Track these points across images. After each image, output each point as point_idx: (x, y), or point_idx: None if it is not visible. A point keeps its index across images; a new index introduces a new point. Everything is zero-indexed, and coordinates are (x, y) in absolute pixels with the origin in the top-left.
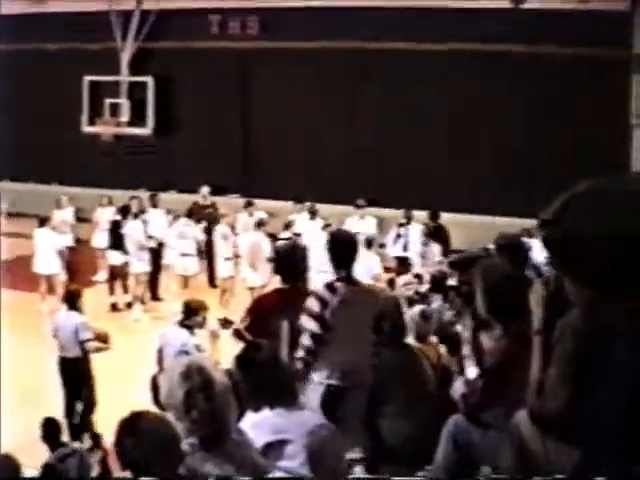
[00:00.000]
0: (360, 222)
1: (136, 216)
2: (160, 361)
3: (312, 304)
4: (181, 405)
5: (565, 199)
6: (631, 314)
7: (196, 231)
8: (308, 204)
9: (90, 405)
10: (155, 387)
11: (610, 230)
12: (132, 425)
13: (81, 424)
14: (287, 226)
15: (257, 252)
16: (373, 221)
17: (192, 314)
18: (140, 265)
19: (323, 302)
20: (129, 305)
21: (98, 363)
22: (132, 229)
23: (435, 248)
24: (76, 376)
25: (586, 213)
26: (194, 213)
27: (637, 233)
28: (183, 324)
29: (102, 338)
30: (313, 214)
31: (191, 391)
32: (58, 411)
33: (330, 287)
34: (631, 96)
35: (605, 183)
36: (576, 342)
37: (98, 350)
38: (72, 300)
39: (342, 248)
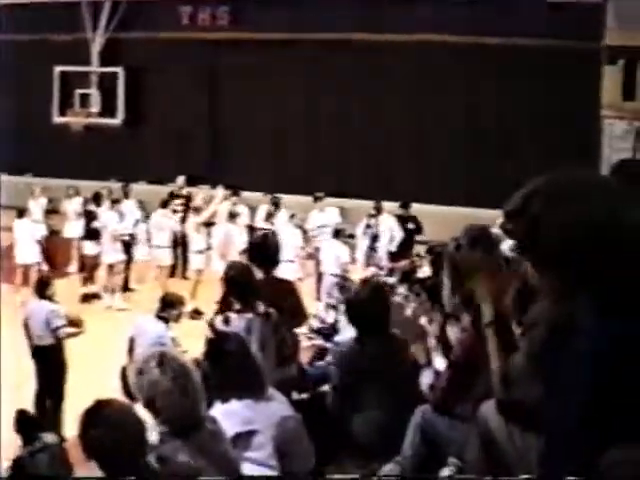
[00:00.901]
0: (321, 214)
1: (111, 206)
2: (131, 350)
3: None
4: (148, 394)
5: (528, 191)
6: (598, 304)
7: (172, 222)
8: (271, 196)
9: (59, 398)
10: (124, 377)
11: (575, 221)
12: (96, 414)
13: (49, 417)
14: (268, 217)
15: (229, 243)
16: (335, 211)
17: (169, 307)
18: (115, 255)
19: None
20: (96, 296)
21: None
22: (107, 220)
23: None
24: (50, 365)
25: (550, 204)
26: (169, 203)
27: (600, 223)
28: (159, 316)
29: (75, 323)
30: (277, 205)
31: (159, 380)
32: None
33: None
34: (602, 88)
35: (567, 175)
36: (548, 333)
37: (72, 335)
38: (42, 289)
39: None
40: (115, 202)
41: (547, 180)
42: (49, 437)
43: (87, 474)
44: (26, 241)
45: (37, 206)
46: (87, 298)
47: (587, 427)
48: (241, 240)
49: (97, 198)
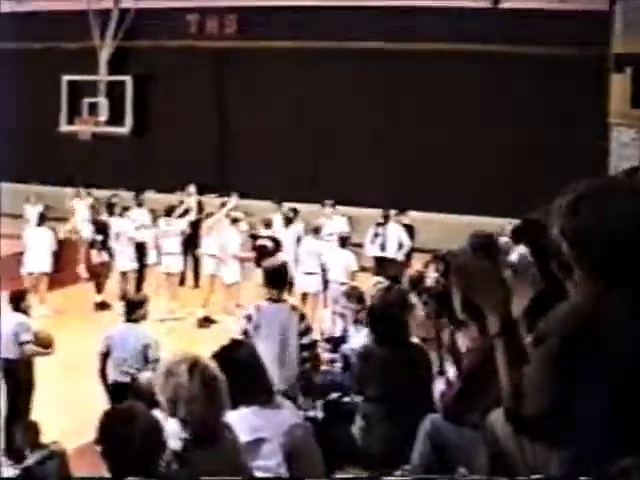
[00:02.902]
0: (329, 222)
1: (121, 214)
2: (103, 367)
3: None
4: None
5: (574, 195)
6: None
7: (181, 226)
8: (284, 205)
9: (20, 413)
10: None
11: (623, 223)
12: (114, 415)
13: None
14: (267, 225)
15: (227, 249)
16: (343, 220)
17: (135, 308)
18: (128, 263)
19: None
20: (105, 305)
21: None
22: (120, 227)
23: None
24: (14, 380)
25: (597, 206)
26: (174, 211)
27: None
28: (131, 320)
29: (45, 342)
30: (295, 213)
31: (183, 385)
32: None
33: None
34: (609, 95)
35: (606, 180)
36: (563, 341)
37: (37, 354)
38: (17, 301)
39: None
40: (126, 210)
41: (590, 184)
42: (56, 445)
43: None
44: (36, 249)
45: (33, 212)
46: (101, 306)
47: (610, 433)
48: (238, 245)
49: (110, 206)
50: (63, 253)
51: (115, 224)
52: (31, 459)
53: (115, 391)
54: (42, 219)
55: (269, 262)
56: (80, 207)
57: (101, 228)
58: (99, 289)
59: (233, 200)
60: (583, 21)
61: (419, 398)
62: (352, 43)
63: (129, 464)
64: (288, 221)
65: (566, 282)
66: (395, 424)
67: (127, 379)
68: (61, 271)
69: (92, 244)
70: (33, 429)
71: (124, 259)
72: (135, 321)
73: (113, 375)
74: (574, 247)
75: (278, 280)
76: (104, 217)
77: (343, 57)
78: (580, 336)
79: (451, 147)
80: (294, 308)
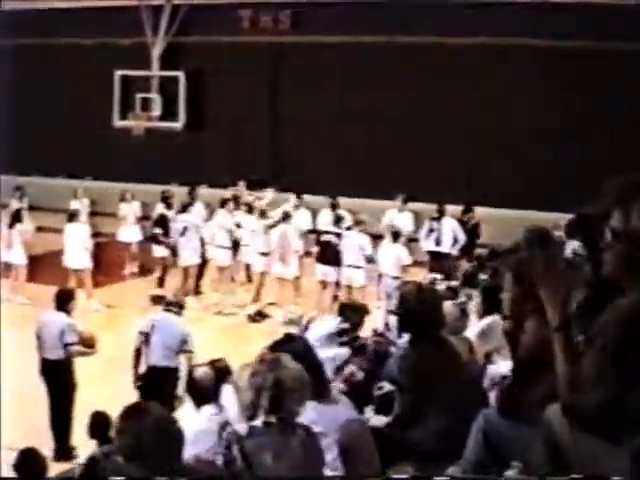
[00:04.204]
0: (398, 216)
1: (184, 210)
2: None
3: None
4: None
5: (630, 188)
6: None
7: (230, 222)
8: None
9: (64, 414)
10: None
11: None
12: (135, 413)
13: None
14: (337, 221)
15: (286, 245)
16: (409, 215)
17: (175, 305)
18: (190, 258)
19: None
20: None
21: None
22: (185, 222)
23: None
24: (56, 380)
25: None
26: (228, 204)
27: None
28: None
29: (89, 342)
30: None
31: (259, 372)
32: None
33: None
34: None
35: None
36: (622, 334)
37: (82, 354)
38: (62, 301)
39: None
40: (186, 205)
41: None
42: None
43: None
44: (76, 245)
45: (81, 207)
46: (157, 299)
47: None
48: (297, 242)
49: (167, 201)
50: (107, 250)
51: (180, 218)
52: (99, 450)
53: (150, 375)
54: (78, 215)
55: None
56: (126, 210)
57: (161, 222)
58: (160, 283)
59: (269, 195)
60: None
61: (468, 393)
62: (405, 37)
63: (147, 462)
64: (338, 219)
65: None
66: (446, 420)
67: (166, 363)
68: (106, 268)
69: (152, 238)
70: (103, 421)
71: (189, 253)
72: (176, 313)
73: (153, 359)
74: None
75: None
76: (163, 211)
77: (398, 52)
78: (638, 331)
79: (512, 144)
80: None
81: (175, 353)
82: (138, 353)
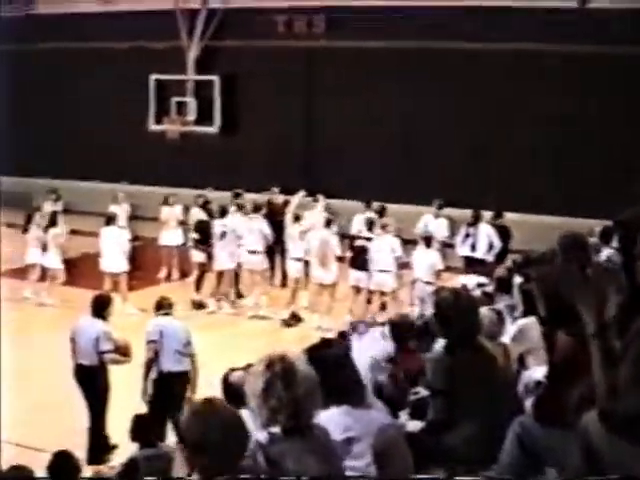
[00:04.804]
0: (434, 222)
1: (222, 214)
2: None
3: None
4: (261, 393)
5: None
6: None
7: (263, 225)
8: (370, 204)
9: (97, 419)
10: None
11: None
12: (203, 412)
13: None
14: (370, 226)
15: (326, 250)
16: (445, 221)
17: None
18: (227, 262)
19: None
20: (202, 305)
21: None
22: (226, 227)
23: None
24: (90, 385)
25: None
26: (261, 209)
27: None
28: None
29: (123, 350)
30: (381, 214)
31: (271, 380)
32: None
33: None
34: None
35: None
36: None
37: (116, 362)
38: (99, 307)
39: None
40: (225, 211)
41: None
42: (167, 445)
43: None
44: (113, 249)
45: (120, 211)
46: (198, 305)
47: None
48: (338, 247)
49: (206, 207)
50: (142, 254)
51: (220, 225)
52: (139, 453)
53: (166, 381)
54: (114, 219)
55: None
56: (168, 213)
57: (202, 228)
58: (198, 287)
59: (297, 197)
60: None
61: (503, 399)
62: (438, 43)
63: (214, 461)
64: (371, 224)
65: None
66: (480, 426)
67: (180, 367)
68: (141, 271)
69: (194, 243)
70: (144, 425)
71: (224, 258)
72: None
73: (167, 365)
74: None
75: None
76: (201, 216)
77: (432, 56)
78: None
79: (546, 149)
80: None
81: (184, 356)
82: (151, 363)
